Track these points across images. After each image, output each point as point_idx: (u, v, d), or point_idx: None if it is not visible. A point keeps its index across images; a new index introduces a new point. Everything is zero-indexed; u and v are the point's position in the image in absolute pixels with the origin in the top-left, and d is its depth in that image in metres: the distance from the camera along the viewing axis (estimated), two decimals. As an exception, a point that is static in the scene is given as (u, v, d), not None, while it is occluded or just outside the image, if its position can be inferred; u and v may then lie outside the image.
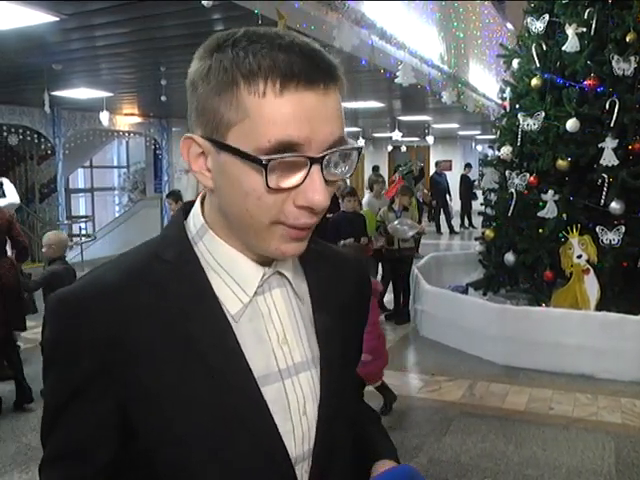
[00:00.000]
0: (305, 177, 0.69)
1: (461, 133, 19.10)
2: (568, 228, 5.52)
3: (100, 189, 17.42)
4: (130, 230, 13.09)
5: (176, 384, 0.73)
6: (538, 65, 6.04)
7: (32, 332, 5.23)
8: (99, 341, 0.72)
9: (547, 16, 6.00)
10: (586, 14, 5.70)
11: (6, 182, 6.41)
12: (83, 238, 12.55)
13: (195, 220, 0.81)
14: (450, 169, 18.37)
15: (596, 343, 4.91)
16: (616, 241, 5.39)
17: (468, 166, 16.36)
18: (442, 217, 15.37)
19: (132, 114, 12.29)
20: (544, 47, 6.04)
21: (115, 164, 18.02)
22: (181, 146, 0.74)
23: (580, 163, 5.65)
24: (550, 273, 5.65)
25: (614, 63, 5.42)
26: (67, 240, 5.52)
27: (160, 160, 13.88)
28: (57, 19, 4.92)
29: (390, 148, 20.98)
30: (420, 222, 8.02)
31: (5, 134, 10.56)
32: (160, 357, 0.73)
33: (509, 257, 5.97)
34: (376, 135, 19.20)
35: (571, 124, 5.50)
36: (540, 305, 5.62)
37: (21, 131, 10.49)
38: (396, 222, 6.57)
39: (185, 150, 0.74)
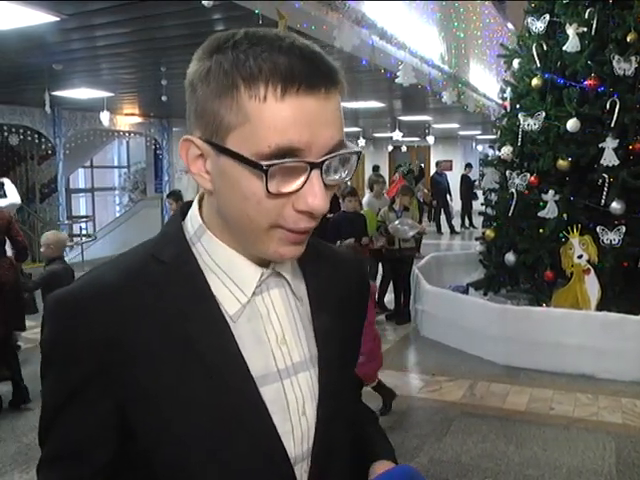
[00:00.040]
0: (305, 182, 0.69)
1: (462, 133, 19.11)
2: (569, 228, 5.52)
3: (101, 189, 17.43)
4: (130, 230, 13.09)
5: (174, 384, 0.73)
6: (539, 65, 6.04)
7: (32, 332, 5.23)
8: (97, 342, 0.72)
9: (548, 16, 6.00)
10: (587, 14, 5.69)
11: (7, 182, 6.42)
12: (84, 238, 12.56)
13: (193, 221, 0.81)
14: (451, 169, 18.36)
15: (597, 343, 4.91)
16: (617, 241, 5.38)
17: (469, 166, 16.36)
18: (443, 217, 15.37)
19: (132, 114, 12.30)
20: (545, 47, 6.04)
21: (116, 164, 18.03)
22: (179, 148, 0.74)
23: (581, 163, 5.64)
24: (551, 273, 5.65)
25: (615, 63, 5.42)
26: (66, 240, 5.52)
27: (160, 160, 13.89)
28: (58, 19, 4.93)
29: (391, 148, 20.99)
30: (421, 222, 8.02)
31: (6, 134, 10.57)
32: (158, 357, 0.73)
33: (510, 257, 5.97)
34: (376, 135, 19.20)
35: (572, 124, 5.50)
36: (541, 305, 5.61)
37: (22, 131, 10.49)
38: (397, 222, 6.57)
39: (184, 152, 0.74)
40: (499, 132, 6.66)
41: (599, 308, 5.27)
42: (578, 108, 5.57)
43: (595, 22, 5.62)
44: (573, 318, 5.12)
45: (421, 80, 7.73)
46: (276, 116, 0.66)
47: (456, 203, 16.06)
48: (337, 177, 0.74)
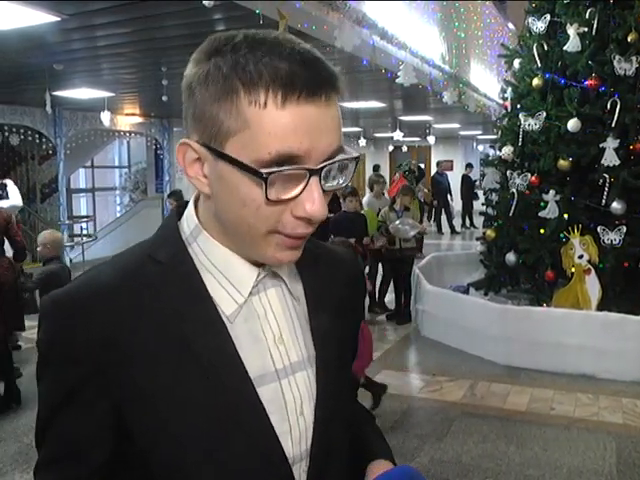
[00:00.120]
0: (304, 188, 0.69)
1: (462, 133, 19.09)
2: (569, 228, 5.52)
3: (101, 189, 17.43)
4: (131, 230, 13.10)
5: (171, 385, 0.73)
6: (539, 65, 6.04)
7: (32, 332, 5.18)
8: (94, 342, 0.72)
9: (548, 16, 6.00)
10: (587, 14, 5.69)
11: (10, 184, 6.43)
12: (84, 238, 12.56)
13: (189, 221, 0.80)
14: (451, 169, 18.38)
15: (597, 343, 4.91)
16: (617, 241, 5.38)
17: (469, 166, 16.36)
18: (443, 217, 15.37)
19: (133, 114, 12.29)
20: (545, 47, 6.04)
21: (116, 164, 18.03)
22: (177, 151, 0.74)
23: (581, 163, 5.64)
24: (551, 273, 5.65)
25: (615, 63, 5.42)
26: (62, 239, 5.52)
27: (161, 160, 13.88)
28: (58, 19, 4.93)
29: (391, 148, 20.98)
30: (421, 222, 8.02)
31: (6, 134, 10.58)
32: (155, 358, 0.73)
33: (510, 257, 5.97)
34: (377, 135, 19.19)
35: (572, 124, 5.49)
36: (541, 305, 5.61)
37: (22, 131, 10.49)
38: (397, 222, 6.57)
39: (181, 155, 0.74)
40: (500, 132, 6.66)
41: (600, 308, 5.26)
42: (579, 108, 5.57)
43: (596, 22, 5.62)
44: (574, 318, 5.12)
45: (422, 80, 7.73)
46: (276, 123, 0.66)
47: (457, 203, 16.06)
48: (335, 183, 0.74)
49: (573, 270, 5.45)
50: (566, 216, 5.61)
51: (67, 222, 11.54)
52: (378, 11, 6.36)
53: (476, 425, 4.14)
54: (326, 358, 0.84)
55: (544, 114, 5.78)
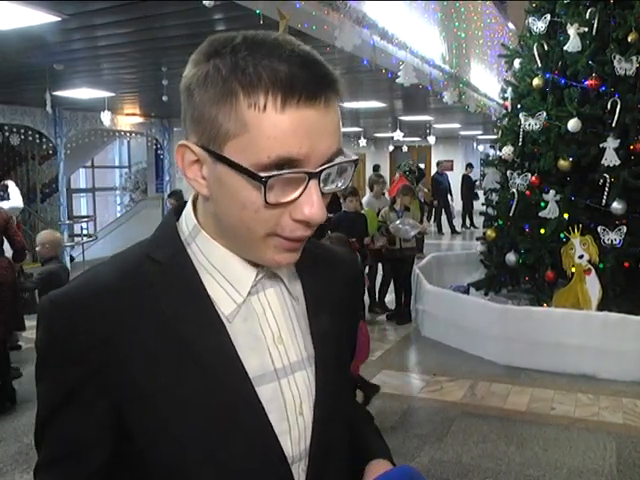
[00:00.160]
0: (302, 191, 0.69)
1: (462, 133, 19.08)
2: (570, 228, 5.52)
3: (102, 189, 17.43)
4: (131, 230, 13.11)
5: (171, 385, 0.73)
6: (540, 65, 6.04)
7: (33, 332, 5.16)
8: (93, 342, 0.72)
9: (549, 16, 6.00)
10: (588, 14, 5.69)
11: (11, 185, 6.43)
12: (85, 238, 12.56)
13: (188, 221, 0.80)
14: (451, 169, 18.38)
15: (597, 343, 4.91)
16: (618, 241, 5.38)
17: (469, 166, 16.36)
18: (443, 217, 15.37)
19: (133, 114, 12.29)
20: (546, 47, 6.04)
21: (117, 164, 18.03)
22: (175, 153, 0.74)
23: (582, 163, 5.64)
24: (551, 273, 5.65)
25: (616, 63, 5.42)
26: (61, 239, 5.52)
27: (162, 160, 13.88)
28: (59, 19, 4.92)
29: (391, 148, 20.97)
30: (422, 222, 8.02)
31: (7, 134, 10.58)
32: (154, 358, 0.73)
33: (510, 257, 5.97)
34: (377, 135, 19.18)
35: (573, 124, 5.49)
36: (541, 305, 5.61)
37: (23, 131, 10.49)
38: (398, 222, 6.56)
39: (179, 157, 0.74)
40: (500, 132, 6.66)
41: (600, 308, 5.27)
42: (579, 108, 5.57)
43: (596, 22, 5.62)
44: (574, 318, 5.12)
45: (422, 80, 7.72)
46: (276, 127, 0.66)
47: (457, 203, 16.06)
48: (334, 186, 0.74)
49: (573, 270, 5.45)
50: (566, 216, 5.61)
51: (67, 222, 11.53)
52: (378, 11, 6.36)
53: (476, 425, 4.14)
54: (325, 358, 0.84)
55: (544, 114, 5.78)
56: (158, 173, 15.03)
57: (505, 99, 6.75)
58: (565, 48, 5.71)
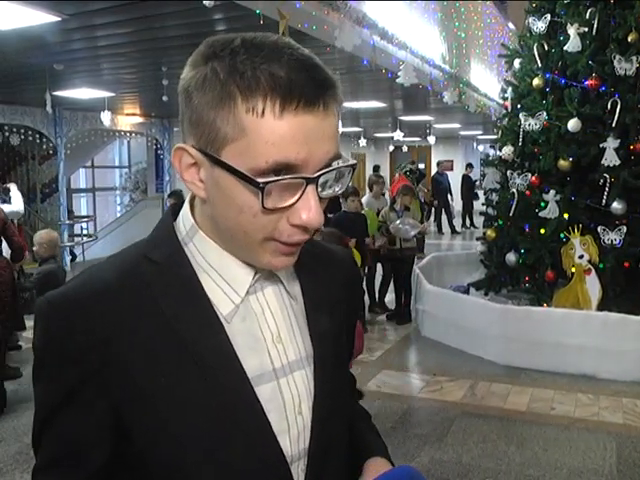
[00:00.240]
0: (300, 197, 0.69)
1: (463, 133, 19.09)
2: (570, 228, 5.52)
3: (102, 189, 17.44)
4: (131, 230, 13.12)
5: (171, 385, 0.73)
6: (540, 65, 6.03)
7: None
8: (93, 342, 0.72)
9: (549, 16, 5.99)
10: (588, 14, 5.69)
11: (13, 189, 6.43)
12: (85, 238, 12.57)
13: (185, 221, 0.80)
14: (452, 169, 18.38)
15: (598, 343, 4.91)
16: (618, 241, 5.38)
17: (470, 166, 16.37)
18: (443, 217, 15.37)
19: (133, 114, 12.30)
20: (546, 47, 6.04)
21: (117, 164, 18.04)
22: (172, 155, 0.74)
23: (582, 163, 5.64)
24: (551, 273, 5.65)
25: (616, 63, 5.42)
26: (58, 239, 5.53)
27: (161, 160, 13.90)
28: (59, 19, 4.93)
29: (392, 148, 20.98)
30: (422, 222, 8.01)
31: (7, 134, 10.59)
32: (154, 358, 0.73)
33: (510, 257, 5.97)
34: (377, 135, 19.19)
35: (573, 124, 5.49)
36: (541, 305, 5.61)
37: (23, 131, 10.50)
38: (398, 222, 6.56)
39: (177, 160, 0.73)
40: (500, 132, 6.66)
41: (600, 308, 5.26)
42: (579, 108, 5.57)
43: (596, 22, 5.62)
44: (574, 318, 5.12)
45: (422, 80, 7.73)
46: (274, 133, 0.66)
47: (457, 203, 16.06)
48: (331, 191, 0.74)
49: (573, 270, 5.45)
50: (566, 216, 5.61)
51: (67, 222, 11.54)
52: (378, 11, 6.36)
53: (476, 425, 4.14)
54: (324, 357, 0.84)
55: (544, 114, 5.78)
56: (158, 173, 15.04)
57: (505, 99, 6.75)
58: (565, 48, 5.71)
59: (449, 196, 15.33)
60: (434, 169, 16.43)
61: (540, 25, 6.04)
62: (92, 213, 16.11)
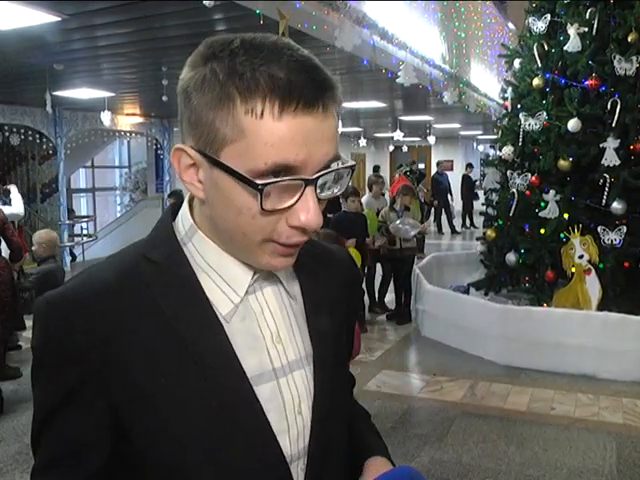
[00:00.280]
0: (299, 198, 0.69)
1: (463, 133, 19.09)
2: (570, 228, 5.52)
3: (102, 189, 17.44)
4: (131, 230, 13.12)
5: (171, 385, 0.73)
6: (540, 65, 6.03)
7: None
8: (93, 342, 0.72)
9: (549, 16, 6.00)
10: (588, 14, 5.69)
11: (14, 191, 6.42)
12: (85, 238, 12.57)
13: (184, 221, 0.80)
14: (451, 169, 18.39)
15: (598, 343, 4.91)
16: (618, 241, 5.38)
17: (469, 166, 16.37)
18: (443, 217, 15.37)
19: (133, 114, 12.30)
20: (546, 47, 6.04)
21: (117, 164, 18.04)
22: (171, 156, 0.74)
23: (582, 163, 5.64)
24: (551, 273, 5.65)
25: (616, 63, 5.42)
26: (57, 239, 5.53)
27: (161, 160, 13.90)
28: (59, 19, 4.93)
29: (392, 148, 20.98)
30: (422, 222, 8.01)
31: (7, 134, 10.58)
32: (154, 358, 0.73)
33: (510, 257, 5.97)
34: (377, 135, 19.19)
35: (573, 124, 5.49)
36: (541, 305, 5.61)
37: (23, 131, 10.50)
38: (398, 222, 6.56)
39: (175, 160, 0.73)
40: (500, 132, 6.66)
41: (600, 308, 5.26)
42: (579, 108, 5.57)
43: (596, 22, 5.62)
44: (574, 318, 5.12)
45: (422, 80, 7.73)
46: (273, 134, 0.66)
47: (457, 203, 16.06)
48: (330, 192, 0.74)
49: (573, 270, 5.45)
50: (566, 216, 5.61)
51: (67, 222, 11.54)
52: (378, 11, 6.36)
53: (476, 425, 4.14)
54: (323, 356, 0.84)
55: (544, 114, 5.77)
56: (158, 173, 15.04)
57: (505, 99, 6.75)
58: (565, 48, 5.71)
59: (449, 196, 15.33)
60: (434, 169, 16.43)
61: (540, 25, 6.04)
62: (92, 213, 16.11)
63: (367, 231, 6.47)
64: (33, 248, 5.12)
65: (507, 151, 6.20)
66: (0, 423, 4.29)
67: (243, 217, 0.70)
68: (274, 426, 0.77)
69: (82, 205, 17.21)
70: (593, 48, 5.60)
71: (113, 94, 9.03)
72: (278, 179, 0.67)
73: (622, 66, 5.40)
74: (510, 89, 6.55)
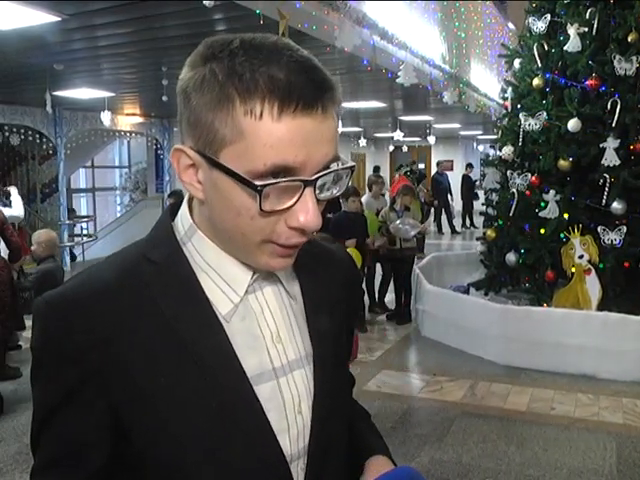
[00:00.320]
0: (298, 199, 0.69)
1: (463, 133, 19.09)
2: (570, 228, 5.52)
3: (102, 189, 17.44)
4: (131, 230, 13.11)
5: (171, 385, 0.73)
6: (540, 65, 6.03)
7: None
8: (93, 341, 0.72)
9: (549, 16, 6.00)
10: (588, 14, 5.69)
11: (14, 193, 6.42)
12: (85, 238, 12.57)
13: (183, 221, 0.80)
14: (451, 169, 18.39)
15: (597, 343, 4.91)
16: (618, 241, 5.38)
17: (470, 166, 16.37)
18: (443, 217, 15.37)
19: (133, 114, 12.30)
20: (546, 47, 6.04)
21: (117, 164, 18.04)
22: (171, 156, 0.74)
23: (582, 163, 5.64)
24: (551, 273, 5.65)
25: (616, 63, 5.42)
26: (57, 239, 5.53)
27: (161, 160, 13.89)
28: (59, 19, 4.93)
29: (392, 148, 20.98)
30: (422, 222, 8.01)
31: (7, 134, 10.58)
32: (154, 358, 0.73)
33: (510, 257, 5.97)
34: (377, 135, 19.19)
35: (573, 124, 5.49)
36: (541, 305, 5.61)
37: (23, 131, 10.50)
38: (398, 222, 6.56)
39: (175, 160, 0.73)
40: (500, 132, 6.65)
41: (600, 308, 5.26)
42: (579, 108, 5.57)
43: (596, 22, 5.62)
44: (574, 318, 5.12)
45: (422, 80, 7.73)
46: (272, 135, 0.66)
47: (457, 203, 16.06)
48: (329, 193, 0.74)
49: (573, 270, 5.45)
50: (566, 216, 5.61)
51: (67, 222, 11.54)
52: (378, 11, 6.36)
53: (476, 425, 4.14)
54: (323, 356, 0.84)
55: (544, 114, 5.77)
56: (158, 173, 15.04)
57: (505, 99, 6.75)
58: (565, 48, 5.71)
59: (449, 196, 15.33)
60: (434, 169, 16.43)
61: (540, 25, 6.04)
62: (92, 213, 16.10)
63: (367, 231, 6.46)
64: (32, 248, 5.12)
65: (507, 151, 6.20)
66: (0, 423, 4.29)
67: (242, 218, 0.70)
68: (274, 425, 0.77)
69: (82, 205, 17.20)
70: (593, 48, 5.60)
71: (113, 94, 9.03)
72: (277, 180, 0.67)
73: (622, 66, 5.40)
74: (510, 89, 6.55)
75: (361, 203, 6.77)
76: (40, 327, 0.75)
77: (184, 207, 0.81)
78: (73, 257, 11.83)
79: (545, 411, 4.38)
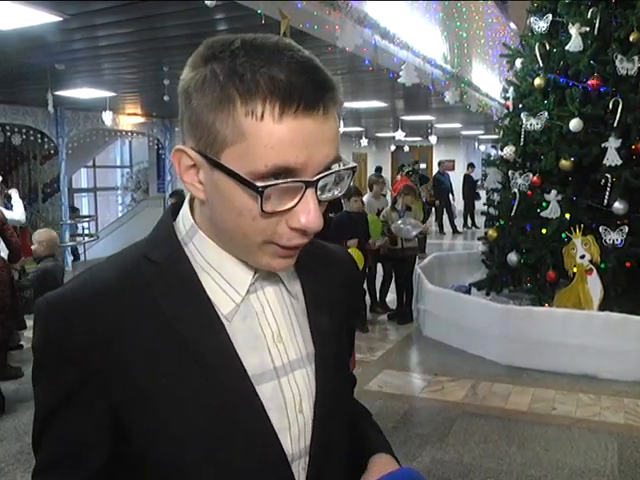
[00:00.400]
0: (299, 200, 0.69)
1: (464, 133, 19.08)
2: (571, 228, 5.51)
3: (103, 189, 17.45)
4: (133, 230, 13.12)
5: (171, 385, 0.73)
6: (541, 65, 6.03)
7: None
8: (94, 342, 0.72)
9: (550, 16, 5.99)
10: (589, 14, 5.68)
11: (15, 196, 6.40)
12: (86, 238, 12.58)
13: (185, 221, 0.80)
14: (453, 169, 18.39)
15: (599, 343, 4.90)
16: (619, 241, 5.38)
17: (471, 166, 16.36)
18: (445, 217, 15.36)
19: (135, 114, 12.31)
20: (547, 47, 6.03)
21: (118, 164, 18.06)
22: (172, 157, 0.74)
23: (583, 163, 5.63)
24: (553, 273, 5.64)
25: (617, 63, 5.41)
26: (57, 238, 5.53)
27: (163, 160, 13.90)
28: (60, 19, 4.93)
29: (393, 148, 20.98)
30: (424, 222, 8.00)
31: (9, 134, 10.59)
32: (155, 358, 0.73)
33: (512, 257, 5.97)
34: (379, 135, 19.19)
35: (574, 124, 5.49)
36: (543, 305, 5.60)
37: (24, 131, 10.51)
38: (399, 222, 6.55)
39: (176, 161, 0.73)
40: (502, 132, 6.65)
41: (601, 308, 5.26)
42: (581, 108, 5.56)
43: (598, 22, 5.62)
44: (575, 318, 5.11)
45: (423, 80, 7.72)
46: (273, 136, 0.66)
47: (458, 203, 16.05)
48: (330, 194, 0.74)
49: (575, 270, 5.44)
50: (568, 216, 5.60)
51: (69, 222, 11.55)
52: (380, 11, 6.36)
53: (478, 425, 4.14)
54: (325, 356, 0.84)
55: (546, 114, 5.77)
56: (159, 173, 15.05)
57: (507, 99, 6.74)
58: (567, 48, 5.70)
59: (450, 196, 15.32)
60: (435, 169, 16.42)
61: (542, 25, 6.04)
62: (94, 213, 16.12)
63: (369, 231, 6.45)
64: (33, 247, 5.13)
65: (509, 151, 6.20)
66: (1, 423, 4.30)
67: (243, 219, 0.70)
68: (275, 425, 0.77)
69: (84, 205, 17.22)
70: (595, 48, 5.59)
71: (114, 94, 9.04)
72: (278, 181, 0.67)
73: (624, 66, 5.40)
74: (512, 89, 6.55)
75: (363, 203, 6.76)
76: (41, 328, 0.75)
77: (185, 207, 0.81)
78: (77, 257, 11.85)
79: (546, 411, 4.37)
